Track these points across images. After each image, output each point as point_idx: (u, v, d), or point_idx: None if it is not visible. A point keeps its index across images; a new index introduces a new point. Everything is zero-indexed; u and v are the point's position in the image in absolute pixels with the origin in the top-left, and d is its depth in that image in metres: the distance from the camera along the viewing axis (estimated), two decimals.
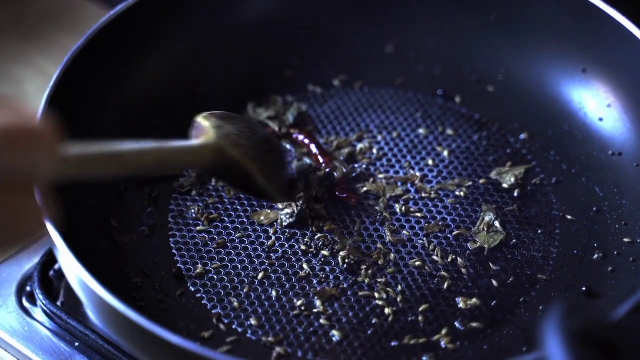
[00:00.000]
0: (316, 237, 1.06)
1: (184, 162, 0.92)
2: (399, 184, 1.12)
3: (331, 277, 1.03)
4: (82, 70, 1.07)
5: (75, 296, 1.07)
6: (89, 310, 1.01)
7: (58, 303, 1.08)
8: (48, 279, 1.10)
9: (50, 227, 0.91)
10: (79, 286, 0.92)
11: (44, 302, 1.06)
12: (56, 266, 1.11)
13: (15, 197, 0.59)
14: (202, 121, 0.92)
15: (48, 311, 1.06)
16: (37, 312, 1.07)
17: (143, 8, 1.15)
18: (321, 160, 1.12)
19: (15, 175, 0.57)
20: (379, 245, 1.06)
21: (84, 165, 0.73)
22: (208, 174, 1.08)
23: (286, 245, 1.06)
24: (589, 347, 0.71)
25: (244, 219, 1.08)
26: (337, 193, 1.11)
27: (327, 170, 1.12)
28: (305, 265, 1.04)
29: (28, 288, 1.10)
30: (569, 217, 1.09)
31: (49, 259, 1.10)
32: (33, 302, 1.09)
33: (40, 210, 0.60)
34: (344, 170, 1.11)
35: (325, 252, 1.05)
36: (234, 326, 0.99)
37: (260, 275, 1.03)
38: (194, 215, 1.09)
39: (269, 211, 1.09)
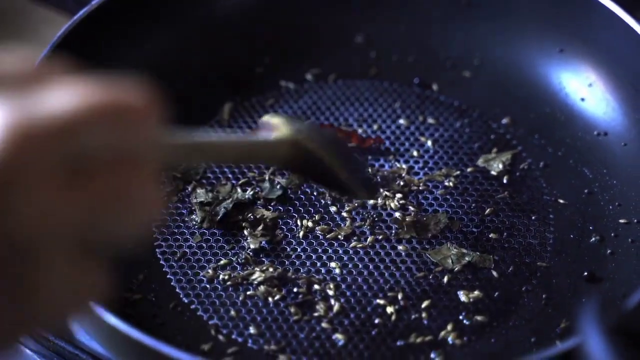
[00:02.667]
0: (307, 238, 1.02)
1: (264, 157, 0.87)
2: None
3: (328, 278, 1.00)
4: None
5: None
6: (84, 330, 0.96)
7: None
8: None
9: None
10: None
11: None
12: None
13: (127, 179, 0.54)
14: (271, 119, 0.87)
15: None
16: None
17: (111, 6, 1.11)
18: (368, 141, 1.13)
19: (122, 154, 0.52)
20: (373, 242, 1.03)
21: (170, 151, 0.68)
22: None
23: (277, 249, 1.02)
24: (626, 337, 0.69)
25: (231, 225, 1.04)
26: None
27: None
28: (300, 268, 1.00)
29: None
30: (561, 201, 1.08)
31: None
32: None
33: (158, 192, 0.55)
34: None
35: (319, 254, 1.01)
36: (233, 336, 0.96)
37: (254, 282, 0.99)
38: (178, 223, 1.05)
39: (258, 213, 1.05)
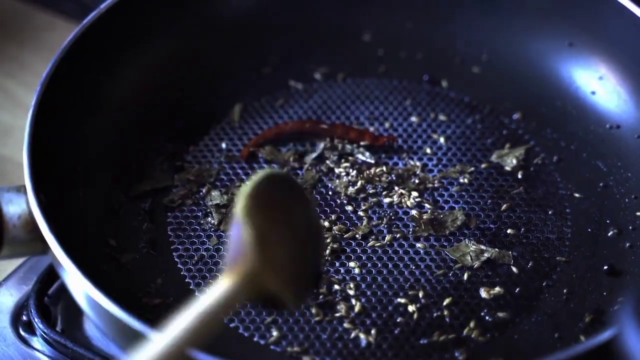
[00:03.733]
0: (327, 237, 1.02)
1: (229, 311, 0.85)
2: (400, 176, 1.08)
3: (347, 278, 0.99)
4: (71, 75, 1.02)
5: (75, 321, 1.03)
6: (109, 336, 0.96)
7: (57, 330, 1.02)
8: (44, 306, 1.04)
9: (60, 254, 0.86)
10: (96, 313, 0.87)
11: (45, 330, 1.01)
12: (50, 292, 1.05)
13: None
14: (244, 231, 0.83)
15: (50, 340, 1.01)
16: (37, 342, 1.02)
17: (121, 10, 1.10)
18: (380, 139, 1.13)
19: None
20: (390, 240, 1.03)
21: None
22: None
23: None
24: None
25: None
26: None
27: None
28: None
29: (24, 317, 1.04)
30: (577, 195, 1.07)
31: (44, 285, 1.05)
32: (31, 331, 1.03)
33: None
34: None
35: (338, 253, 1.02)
36: (255, 339, 0.95)
37: None
38: (194, 226, 1.04)
39: None
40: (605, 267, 1.00)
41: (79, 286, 0.87)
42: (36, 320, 1.02)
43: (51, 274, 1.05)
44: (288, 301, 0.84)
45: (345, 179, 1.08)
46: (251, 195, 0.82)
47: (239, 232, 0.80)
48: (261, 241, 0.80)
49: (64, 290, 1.06)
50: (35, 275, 1.08)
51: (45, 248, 0.90)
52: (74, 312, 1.05)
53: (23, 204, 0.90)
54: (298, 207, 0.88)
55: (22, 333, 1.04)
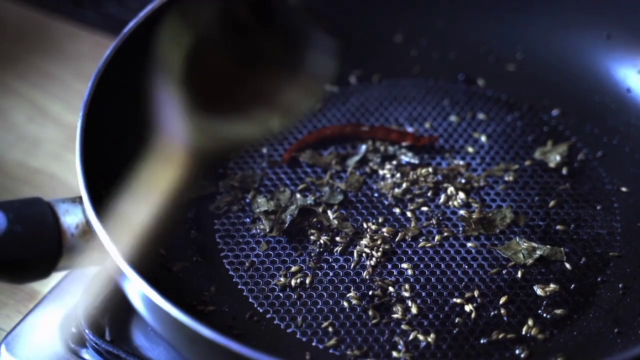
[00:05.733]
0: (377, 239, 1.01)
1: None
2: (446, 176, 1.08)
3: (401, 279, 0.99)
4: (114, 84, 1.01)
5: (123, 332, 1.02)
6: (170, 342, 0.95)
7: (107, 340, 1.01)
8: (92, 317, 1.03)
9: (121, 262, 0.85)
10: (159, 319, 0.87)
11: (96, 341, 1.00)
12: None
13: None
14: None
15: (102, 350, 1.00)
16: (87, 354, 1.01)
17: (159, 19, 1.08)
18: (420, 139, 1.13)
19: None
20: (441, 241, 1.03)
21: None
22: None
23: (346, 252, 1.01)
24: None
25: (297, 231, 1.04)
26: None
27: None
28: (372, 271, 0.99)
29: (73, 329, 1.03)
30: (624, 189, 1.07)
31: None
32: (81, 343, 1.02)
33: None
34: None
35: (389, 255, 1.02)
36: (313, 344, 0.94)
37: (328, 287, 0.99)
38: (242, 233, 1.03)
39: (322, 218, 1.04)
40: None
41: (140, 293, 0.86)
42: (87, 331, 1.00)
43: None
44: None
45: (390, 180, 1.08)
46: None
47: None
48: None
49: (110, 301, 1.05)
50: (79, 287, 1.06)
51: (103, 257, 0.89)
52: (121, 322, 1.04)
53: (80, 214, 0.89)
54: None
55: (72, 345, 1.02)
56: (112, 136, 1.02)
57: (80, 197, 0.90)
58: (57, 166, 1.26)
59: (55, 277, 1.08)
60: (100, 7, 1.43)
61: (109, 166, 0.99)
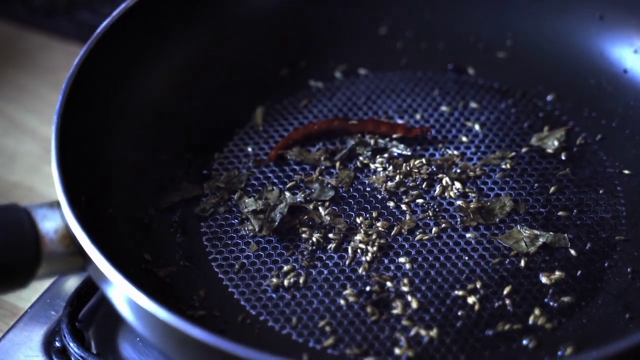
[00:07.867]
0: (372, 234, 0.97)
1: None
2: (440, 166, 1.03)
3: (399, 274, 0.94)
4: (88, 89, 0.96)
5: (109, 344, 0.97)
6: (158, 347, 0.90)
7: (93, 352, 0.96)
8: (77, 330, 0.98)
9: (103, 264, 0.80)
10: (145, 322, 0.82)
11: (81, 355, 0.95)
12: (80, 316, 1.00)
13: None
14: None
15: None
16: None
17: (131, 20, 1.05)
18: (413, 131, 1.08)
19: None
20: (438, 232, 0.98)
21: None
22: None
23: (340, 249, 0.96)
24: None
25: (287, 230, 0.99)
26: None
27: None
28: (368, 266, 0.95)
29: (57, 344, 0.98)
30: (626, 172, 1.03)
31: (74, 309, 0.99)
32: (65, 357, 0.97)
33: None
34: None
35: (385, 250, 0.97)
36: (310, 344, 0.89)
37: (323, 285, 0.94)
38: (231, 234, 0.99)
39: (313, 215, 0.99)
40: None
41: (125, 296, 0.81)
42: (71, 345, 0.96)
43: (80, 297, 1.00)
44: None
45: (382, 174, 1.03)
46: None
47: None
48: None
49: (94, 313, 1.01)
50: (61, 301, 1.02)
51: (84, 262, 0.84)
52: (107, 334, 0.99)
53: (58, 219, 0.85)
54: None
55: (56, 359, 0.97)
56: (89, 142, 0.97)
57: (58, 202, 0.85)
58: (35, 179, 1.21)
59: (37, 291, 1.03)
60: (73, 16, 1.38)
61: (86, 171, 0.95)
